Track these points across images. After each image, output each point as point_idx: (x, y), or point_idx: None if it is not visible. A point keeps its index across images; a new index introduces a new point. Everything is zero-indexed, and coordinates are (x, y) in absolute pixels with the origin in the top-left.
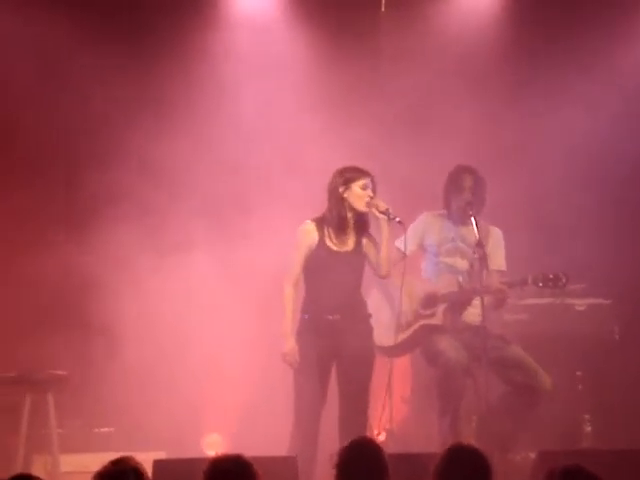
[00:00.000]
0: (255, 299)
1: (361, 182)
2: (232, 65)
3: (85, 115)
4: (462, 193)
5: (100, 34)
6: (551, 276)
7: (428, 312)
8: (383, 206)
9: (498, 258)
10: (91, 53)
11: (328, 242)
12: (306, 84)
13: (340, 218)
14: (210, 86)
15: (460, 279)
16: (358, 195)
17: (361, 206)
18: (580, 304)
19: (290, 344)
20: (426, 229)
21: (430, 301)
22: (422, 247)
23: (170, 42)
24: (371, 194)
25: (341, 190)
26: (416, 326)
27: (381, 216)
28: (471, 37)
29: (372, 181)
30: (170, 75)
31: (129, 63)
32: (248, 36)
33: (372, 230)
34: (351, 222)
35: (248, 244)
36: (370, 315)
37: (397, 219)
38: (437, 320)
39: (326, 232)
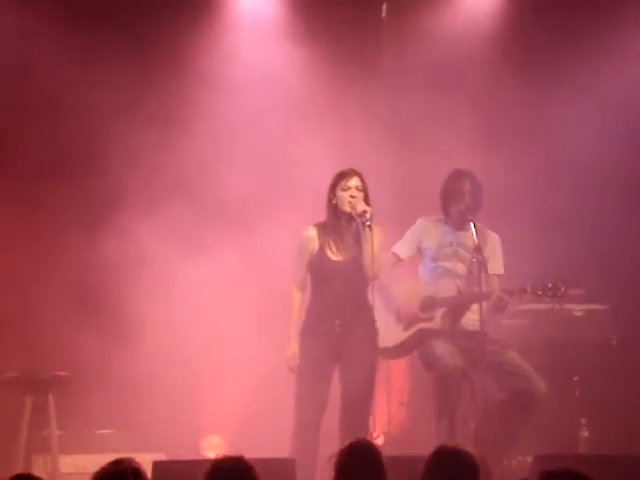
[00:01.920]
0: (260, 301)
1: (342, 184)
2: (231, 68)
3: (93, 115)
4: (462, 197)
5: (101, 35)
6: (550, 285)
7: (426, 316)
8: (360, 208)
9: (496, 262)
10: (90, 54)
11: (328, 252)
12: (305, 88)
13: (334, 226)
14: (213, 87)
15: (459, 284)
16: (342, 198)
17: (346, 208)
18: (578, 309)
19: (292, 348)
20: (423, 234)
21: (429, 305)
22: (420, 251)
23: (169, 44)
24: (354, 194)
25: (330, 197)
26: (414, 329)
27: (357, 219)
28: (472, 43)
29: (359, 180)
30: (171, 76)
31: (130, 65)
32: (247, 39)
33: None
34: (347, 228)
35: (255, 247)
36: (374, 320)
37: (367, 223)
38: (435, 324)
39: (327, 239)
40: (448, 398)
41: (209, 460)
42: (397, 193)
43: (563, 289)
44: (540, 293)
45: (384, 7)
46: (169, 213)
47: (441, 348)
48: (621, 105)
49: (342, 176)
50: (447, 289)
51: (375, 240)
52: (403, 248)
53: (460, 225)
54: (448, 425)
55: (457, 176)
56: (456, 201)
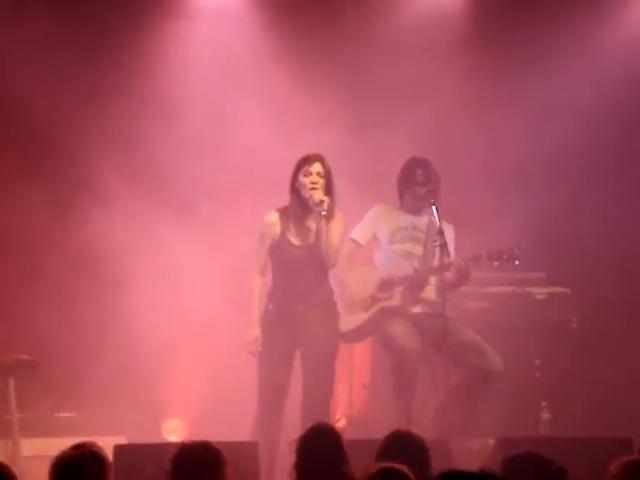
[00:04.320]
0: (222, 285)
1: (305, 169)
2: (195, 52)
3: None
4: (419, 184)
5: (63, 24)
6: (504, 249)
7: (385, 295)
8: (317, 198)
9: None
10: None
11: (289, 236)
12: (269, 73)
13: (295, 211)
14: (172, 73)
15: (416, 264)
16: (303, 184)
17: (307, 195)
18: (540, 293)
19: (254, 333)
20: (379, 219)
21: (386, 285)
22: (376, 237)
23: (132, 32)
24: (315, 180)
25: (293, 181)
26: (374, 309)
27: (314, 208)
28: (437, 26)
29: (321, 165)
30: (132, 66)
31: (92, 53)
32: (211, 24)
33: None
34: (308, 213)
35: (220, 230)
36: (335, 303)
37: (323, 213)
38: (395, 301)
39: (288, 225)
40: (405, 380)
41: (172, 444)
42: (357, 175)
43: (517, 251)
44: (495, 257)
45: None
46: (134, 198)
47: (399, 329)
48: (584, 89)
49: (304, 161)
50: (404, 269)
51: (334, 230)
52: (361, 233)
53: (416, 210)
54: (405, 407)
55: (413, 165)
56: (416, 187)
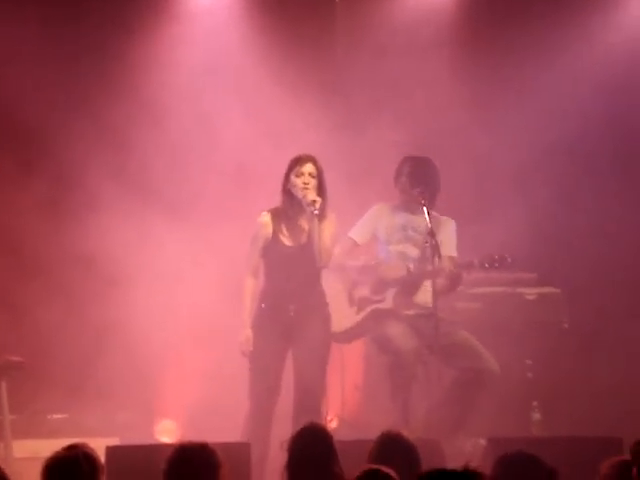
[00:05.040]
0: (214, 285)
1: (296, 169)
2: (185, 55)
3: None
4: (416, 182)
5: (58, 22)
6: (496, 257)
7: (378, 297)
8: (310, 198)
9: (449, 245)
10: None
11: (281, 237)
12: (260, 74)
13: (287, 212)
14: (163, 74)
15: (411, 266)
16: (294, 184)
17: (299, 195)
18: (530, 293)
19: (246, 333)
20: (378, 219)
21: (379, 286)
22: (375, 237)
23: (126, 34)
24: (307, 181)
25: (285, 182)
26: (366, 311)
27: (307, 208)
28: (428, 26)
29: (313, 166)
30: (132, 63)
31: (83, 52)
32: (201, 27)
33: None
34: (300, 214)
35: (213, 230)
36: (327, 304)
37: (315, 212)
38: (387, 304)
39: (280, 225)
40: (401, 381)
41: (164, 445)
42: (349, 173)
43: (509, 259)
44: (487, 265)
45: None
46: (128, 198)
47: (395, 330)
48: (581, 88)
49: (296, 162)
50: (397, 270)
51: (326, 230)
52: (359, 233)
53: (414, 209)
54: (401, 407)
55: (412, 162)
56: (410, 186)
